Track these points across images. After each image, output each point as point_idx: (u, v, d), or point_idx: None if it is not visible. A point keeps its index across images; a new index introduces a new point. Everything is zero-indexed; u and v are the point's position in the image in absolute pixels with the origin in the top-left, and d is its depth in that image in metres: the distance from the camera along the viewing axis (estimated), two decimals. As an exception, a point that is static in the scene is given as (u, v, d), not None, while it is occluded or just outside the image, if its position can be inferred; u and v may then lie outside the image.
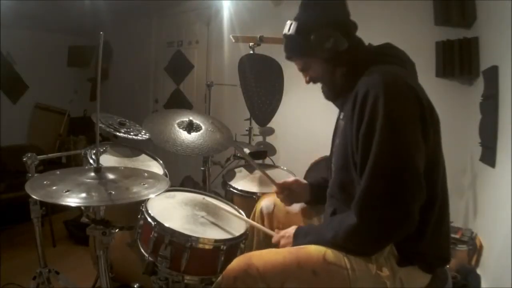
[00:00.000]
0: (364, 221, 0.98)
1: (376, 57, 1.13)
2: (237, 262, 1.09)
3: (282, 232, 1.26)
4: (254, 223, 1.45)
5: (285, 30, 1.21)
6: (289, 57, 1.26)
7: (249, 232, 1.46)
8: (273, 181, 1.46)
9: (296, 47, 1.20)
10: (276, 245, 1.25)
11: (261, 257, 1.08)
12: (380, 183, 0.96)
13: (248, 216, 1.56)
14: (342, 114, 1.22)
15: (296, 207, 1.47)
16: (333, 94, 1.23)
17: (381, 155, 0.96)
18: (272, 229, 1.42)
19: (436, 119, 1.06)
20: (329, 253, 1.05)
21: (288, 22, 1.21)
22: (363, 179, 0.99)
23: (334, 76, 1.18)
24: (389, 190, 0.95)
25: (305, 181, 1.46)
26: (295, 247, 1.13)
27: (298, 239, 1.18)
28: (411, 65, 1.16)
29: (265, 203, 1.49)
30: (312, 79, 1.24)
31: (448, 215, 1.10)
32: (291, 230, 1.23)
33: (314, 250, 1.07)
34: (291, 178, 1.45)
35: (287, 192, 1.43)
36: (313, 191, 1.43)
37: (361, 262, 1.03)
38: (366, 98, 1.00)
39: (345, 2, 1.19)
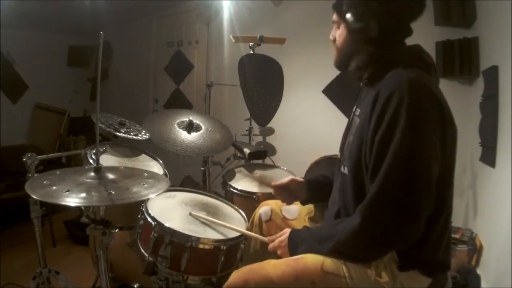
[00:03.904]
0: (367, 222, 0.96)
1: (405, 58, 1.09)
2: (235, 277, 1.08)
3: (277, 242, 1.23)
4: (248, 232, 1.43)
5: None
6: (333, 6, 1.19)
7: (247, 239, 1.46)
8: (269, 185, 1.46)
9: (340, 2, 1.14)
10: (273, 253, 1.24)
11: (258, 271, 1.07)
12: (392, 189, 0.94)
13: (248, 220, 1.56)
14: (358, 110, 1.18)
15: (294, 212, 1.47)
16: (342, 64, 1.19)
17: (397, 161, 0.93)
18: (271, 235, 1.37)
19: (455, 129, 1.03)
20: (327, 262, 1.04)
21: None
22: (375, 182, 0.96)
23: (355, 54, 1.13)
24: (400, 197, 0.93)
25: (301, 179, 1.44)
26: (293, 258, 1.11)
27: (295, 245, 1.16)
28: (435, 71, 1.13)
29: (263, 210, 1.49)
30: (334, 39, 1.21)
31: (450, 222, 1.09)
32: (285, 237, 1.20)
33: (311, 260, 1.06)
34: (286, 179, 1.43)
35: (285, 192, 1.42)
36: (310, 188, 1.42)
37: (359, 269, 1.02)
38: (389, 100, 0.96)
39: (418, 9, 1.11)
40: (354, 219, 0.99)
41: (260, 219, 1.48)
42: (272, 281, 1.03)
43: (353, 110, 1.22)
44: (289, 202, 1.45)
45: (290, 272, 1.04)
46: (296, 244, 1.16)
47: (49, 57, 4.38)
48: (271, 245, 1.25)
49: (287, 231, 1.22)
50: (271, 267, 1.07)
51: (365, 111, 1.06)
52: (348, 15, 1.10)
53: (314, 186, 1.42)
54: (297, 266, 1.05)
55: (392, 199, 0.94)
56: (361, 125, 1.07)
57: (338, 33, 1.18)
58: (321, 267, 1.03)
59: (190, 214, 1.49)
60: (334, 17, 1.20)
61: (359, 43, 1.12)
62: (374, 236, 0.97)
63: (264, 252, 1.34)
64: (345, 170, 1.17)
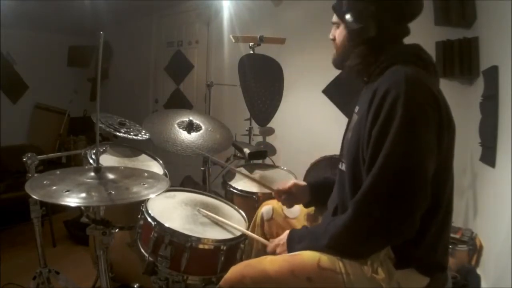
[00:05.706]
0: (358, 215, 0.97)
1: (403, 56, 1.10)
2: (232, 272, 1.09)
3: (276, 240, 1.24)
4: (249, 233, 1.43)
5: None
6: (333, 7, 1.22)
7: (248, 239, 1.46)
8: (270, 188, 1.47)
9: (339, 3, 1.17)
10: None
11: (255, 266, 1.08)
12: (386, 183, 0.94)
13: (250, 220, 1.56)
14: (357, 107, 1.20)
15: (295, 211, 1.47)
16: (340, 62, 1.22)
17: (393, 156, 0.94)
18: (272, 234, 1.42)
19: (453, 128, 1.04)
20: (324, 258, 1.05)
21: None
22: (369, 176, 0.96)
23: (353, 53, 1.15)
24: (394, 192, 0.93)
25: (303, 183, 1.45)
26: (289, 254, 1.12)
27: (293, 244, 1.17)
28: (435, 71, 1.14)
29: (265, 209, 1.50)
30: (334, 38, 1.23)
31: (450, 223, 1.09)
32: (285, 236, 1.21)
33: (308, 256, 1.06)
34: (288, 183, 1.44)
35: (285, 196, 1.43)
36: (313, 191, 1.43)
37: (355, 266, 1.03)
38: (386, 96, 0.98)
39: (416, 10, 1.15)
40: (346, 213, 1.00)
41: (262, 218, 1.48)
42: (269, 276, 1.04)
43: (354, 108, 1.24)
44: (289, 205, 1.45)
45: (287, 268, 1.05)
46: (294, 242, 1.17)
47: (49, 57, 4.38)
48: (270, 245, 1.26)
49: (286, 232, 1.23)
50: (268, 262, 1.08)
51: (363, 108, 1.08)
52: (348, 16, 1.12)
53: (316, 189, 1.42)
54: (293, 262, 1.06)
55: (385, 192, 0.94)
56: (359, 121, 1.09)
57: (338, 33, 1.21)
58: (318, 263, 1.04)
59: (199, 211, 1.51)
60: (334, 18, 1.22)
61: (358, 43, 1.14)
62: (365, 229, 0.97)
63: (265, 253, 1.34)
64: (343, 166, 1.18)
